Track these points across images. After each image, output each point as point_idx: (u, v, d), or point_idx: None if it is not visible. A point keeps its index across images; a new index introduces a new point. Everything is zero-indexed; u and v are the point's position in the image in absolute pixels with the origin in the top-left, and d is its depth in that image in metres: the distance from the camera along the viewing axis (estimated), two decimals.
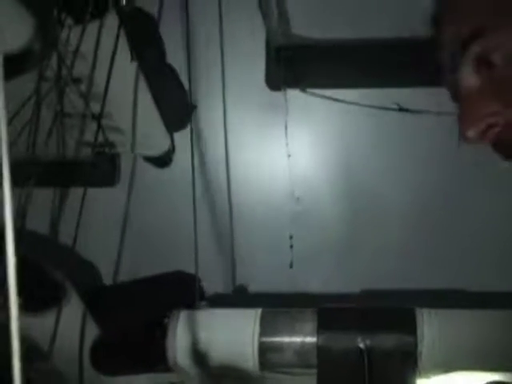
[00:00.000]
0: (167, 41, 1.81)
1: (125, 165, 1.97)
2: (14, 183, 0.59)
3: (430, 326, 1.39)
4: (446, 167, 1.91)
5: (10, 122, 0.65)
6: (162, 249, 2.01)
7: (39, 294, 1.41)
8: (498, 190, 1.89)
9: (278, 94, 1.84)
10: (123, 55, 1.54)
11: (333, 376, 1.40)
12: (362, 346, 1.38)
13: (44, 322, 1.40)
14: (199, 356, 1.41)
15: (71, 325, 1.47)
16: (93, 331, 1.52)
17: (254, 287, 2.04)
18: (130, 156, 1.92)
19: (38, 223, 1.61)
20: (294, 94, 1.82)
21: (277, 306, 1.50)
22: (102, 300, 1.77)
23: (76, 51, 1.44)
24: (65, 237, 1.51)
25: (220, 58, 1.83)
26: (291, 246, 1.93)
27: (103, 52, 1.47)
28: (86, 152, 1.70)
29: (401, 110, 1.75)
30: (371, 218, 2.01)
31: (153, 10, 1.75)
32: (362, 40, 1.76)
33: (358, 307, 1.49)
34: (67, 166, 1.61)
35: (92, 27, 1.43)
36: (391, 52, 1.77)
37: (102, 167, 1.89)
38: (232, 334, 1.44)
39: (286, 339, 1.42)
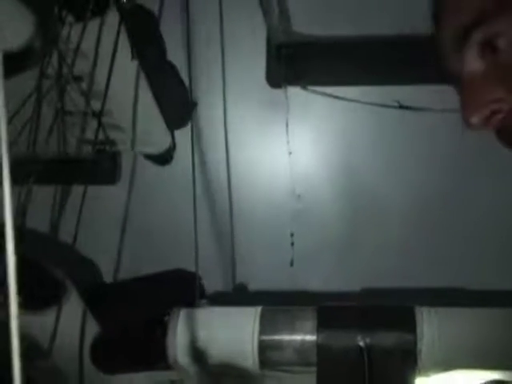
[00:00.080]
0: (168, 38, 1.81)
1: (125, 163, 1.97)
2: (15, 181, 0.59)
3: (430, 325, 1.39)
4: (447, 165, 1.91)
5: (10, 120, 0.65)
6: (162, 247, 2.01)
7: (39, 292, 1.41)
8: (499, 188, 1.89)
9: (278, 92, 1.84)
10: (124, 53, 1.54)
11: (333, 374, 1.40)
12: (361, 344, 1.38)
13: (44, 320, 1.41)
14: (199, 354, 1.41)
15: (71, 323, 1.48)
16: (93, 329, 1.52)
17: (254, 285, 2.05)
18: (131, 154, 1.92)
19: (39, 221, 1.61)
20: (294, 91, 1.82)
21: (277, 304, 1.50)
22: (103, 298, 1.77)
23: (77, 49, 1.44)
24: (65, 234, 1.51)
25: (220, 55, 1.83)
26: (292, 244, 1.93)
27: (104, 50, 1.47)
28: (87, 150, 1.71)
29: (401, 107, 1.75)
30: (372, 215, 2.01)
31: (153, 7, 1.75)
32: (363, 37, 1.76)
33: (357, 305, 1.49)
34: (68, 164, 1.61)
35: (93, 25, 1.43)
36: (392, 49, 1.77)
37: (102, 165, 1.89)
38: (232, 332, 1.45)
39: (286, 337, 1.42)
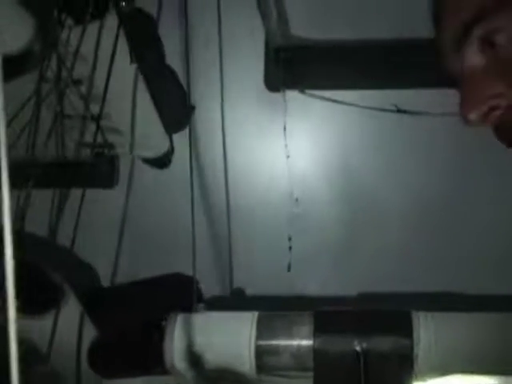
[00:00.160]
0: (166, 42, 1.81)
1: (123, 166, 1.97)
2: (13, 185, 0.59)
3: (427, 329, 1.39)
4: (445, 169, 1.92)
5: (9, 123, 0.65)
6: (160, 251, 2.01)
7: (37, 295, 1.40)
8: (498, 192, 1.89)
9: (276, 95, 1.84)
10: (123, 56, 1.54)
11: (329, 379, 1.40)
12: (358, 348, 1.38)
13: (42, 324, 1.40)
14: (196, 359, 1.41)
15: (69, 327, 1.47)
16: (91, 333, 1.52)
17: (251, 289, 2.04)
18: (129, 157, 1.92)
19: (37, 224, 1.61)
20: (292, 95, 1.82)
21: (274, 309, 1.50)
22: (100, 302, 1.77)
23: (76, 52, 1.44)
24: (63, 238, 1.51)
25: (219, 58, 1.83)
26: (290, 248, 1.93)
27: (103, 53, 1.47)
28: (85, 153, 1.71)
29: (399, 111, 1.75)
30: (370, 219, 2.01)
31: (152, 10, 1.76)
32: (362, 41, 1.76)
33: (354, 310, 1.49)
34: (66, 168, 1.61)
35: (92, 28, 1.43)
36: (391, 53, 1.77)
37: (100, 168, 1.89)
38: (229, 337, 1.45)
39: (283, 342, 1.42)
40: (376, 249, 1.99)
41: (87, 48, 1.45)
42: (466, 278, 1.92)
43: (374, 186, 1.98)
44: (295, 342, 1.42)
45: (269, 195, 1.99)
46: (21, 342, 0.58)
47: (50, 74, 1.45)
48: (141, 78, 1.65)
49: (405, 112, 1.75)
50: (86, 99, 1.54)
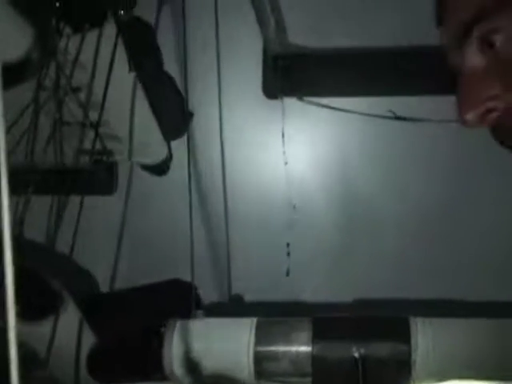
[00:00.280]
0: (164, 49, 1.82)
1: (122, 173, 1.98)
2: (12, 191, 0.59)
3: (425, 335, 1.39)
4: (443, 176, 1.92)
5: (8, 130, 0.66)
6: (158, 257, 2.01)
7: (36, 302, 1.40)
8: (497, 200, 1.90)
9: (274, 102, 1.85)
10: (121, 64, 1.55)
11: None
12: (356, 355, 1.38)
13: (41, 331, 1.40)
14: (195, 365, 1.41)
15: (68, 333, 1.47)
16: (89, 339, 1.52)
17: (250, 296, 2.04)
18: (128, 164, 1.92)
19: (36, 231, 1.61)
20: (290, 102, 1.83)
21: (272, 315, 1.51)
22: (99, 308, 1.77)
23: (75, 60, 1.45)
24: (62, 245, 1.51)
25: (216, 66, 1.83)
26: (288, 254, 1.93)
27: (102, 61, 1.47)
28: (84, 160, 1.71)
29: (397, 118, 1.76)
30: (368, 226, 2.01)
31: (151, 18, 1.76)
32: (359, 48, 1.77)
33: (352, 316, 1.49)
34: (65, 174, 1.61)
35: (91, 36, 1.44)
36: (388, 60, 1.78)
37: (99, 175, 1.90)
38: (228, 344, 1.45)
39: (282, 348, 1.42)
40: (374, 255, 1.99)
41: (86, 56, 1.46)
42: (465, 285, 1.92)
43: (371, 193, 1.98)
44: (294, 348, 1.42)
45: (267, 201, 1.99)
46: (20, 348, 0.59)
47: (48, 82, 1.45)
48: (139, 85, 1.66)
49: (402, 119, 1.76)
50: (85, 107, 1.54)
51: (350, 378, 1.37)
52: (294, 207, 1.93)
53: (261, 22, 1.61)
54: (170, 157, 1.92)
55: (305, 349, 1.41)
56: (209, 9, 1.66)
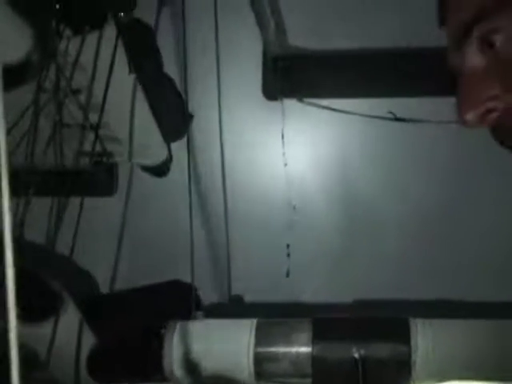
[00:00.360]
0: (164, 51, 1.82)
1: (122, 174, 1.98)
2: (13, 193, 0.60)
3: (424, 336, 1.39)
4: (444, 178, 1.92)
5: (8, 132, 0.66)
6: (158, 258, 2.01)
7: (37, 303, 1.41)
8: (498, 201, 1.90)
9: (274, 104, 1.85)
10: (121, 66, 1.55)
11: None
12: (356, 355, 1.38)
13: (41, 332, 1.40)
14: (195, 366, 1.41)
15: (68, 334, 1.47)
16: (89, 340, 1.52)
17: (249, 297, 2.04)
18: (128, 165, 1.93)
19: (36, 232, 1.61)
20: (290, 103, 1.83)
21: (272, 316, 1.51)
22: (99, 309, 1.77)
23: (75, 62, 1.45)
24: (62, 246, 1.51)
25: (216, 67, 1.84)
26: (288, 255, 1.93)
27: (102, 63, 1.47)
28: (84, 162, 1.71)
29: (396, 119, 1.76)
30: (368, 227, 2.01)
31: (151, 20, 1.76)
32: (359, 50, 1.77)
33: (352, 317, 1.50)
34: (65, 176, 1.61)
35: (91, 38, 1.44)
36: (388, 62, 1.78)
37: (99, 177, 1.90)
38: (228, 345, 1.45)
39: (282, 349, 1.42)
40: (374, 256, 1.99)
41: (86, 58, 1.46)
42: (465, 286, 1.92)
43: (372, 194, 1.98)
44: (294, 349, 1.42)
45: (267, 202, 1.99)
46: (20, 349, 0.59)
47: (48, 84, 1.45)
48: (139, 87, 1.66)
49: (402, 120, 1.76)
50: (85, 109, 1.54)
51: (350, 378, 1.38)
52: (294, 208, 1.93)
53: (260, 24, 1.61)
54: (170, 158, 1.92)
55: (305, 349, 1.42)
56: (208, 11, 1.66)
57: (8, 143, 0.62)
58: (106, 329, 1.58)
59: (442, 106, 1.57)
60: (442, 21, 0.78)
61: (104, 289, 2.01)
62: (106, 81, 1.45)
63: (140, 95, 1.67)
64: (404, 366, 1.38)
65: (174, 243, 1.91)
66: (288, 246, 1.92)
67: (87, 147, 1.65)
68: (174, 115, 1.85)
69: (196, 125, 1.91)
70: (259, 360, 1.42)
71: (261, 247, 2.01)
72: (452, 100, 0.79)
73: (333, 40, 1.80)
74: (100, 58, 1.45)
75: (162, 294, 1.88)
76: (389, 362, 1.38)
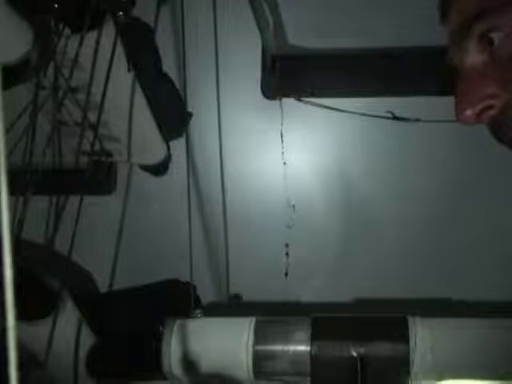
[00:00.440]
0: (163, 50, 1.82)
1: (121, 173, 1.98)
2: (11, 192, 0.59)
3: (423, 335, 1.39)
4: (444, 178, 1.92)
5: (6, 131, 0.66)
6: (157, 257, 2.01)
7: (35, 302, 1.41)
8: (499, 200, 1.90)
9: (273, 103, 1.85)
10: (120, 65, 1.55)
11: None
12: (355, 354, 1.38)
13: (40, 331, 1.40)
14: (194, 364, 1.41)
15: (67, 333, 1.48)
16: (88, 339, 1.52)
17: (248, 296, 2.05)
18: (126, 164, 1.93)
19: (34, 231, 1.61)
20: (289, 102, 1.83)
21: (271, 315, 1.51)
22: (98, 308, 1.77)
23: (74, 61, 1.45)
24: (61, 245, 1.51)
25: (215, 66, 1.83)
26: (287, 254, 1.93)
27: (100, 61, 1.47)
28: (83, 161, 1.71)
29: (396, 118, 1.76)
30: (367, 226, 2.01)
31: (150, 19, 1.76)
32: (359, 49, 1.77)
33: (351, 316, 1.49)
34: (63, 175, 1.61)
35: (89, 37, 1.44)
36: (389, 61, 1.78)
37: (98, 175, 1.90)
38: (226, 343, 1.45)
39: (280, 348, 1.42)
40: (373, 256, 1.99)
41: (84, 57, 1.46)
42: (465, 285, 1.92)
43: (371, 194, 1.98)
44: (292, 348, 1.42)
45: (266, 202, 1.99)
46: (18, 348, 0.59)
47: (46, 83, 1.45)
48: (138, 86, 1.66)
49: (401, 119, 1.76)
50: (84, 108, 1.54)
51: (349, 377, 1.38)
52: (293, 207, 1.93)
53: (259, 22, 1.61)
54: (168, 157, 1.92)
55: (303, 348, 1.42)
56: (208, 10, 1.66)
57: (6, 142, 0.62)
58: (104, 328, 1.58)
59: (441, 106, 1.56)
60: (443, 18, 0.78)
61: (103, 287, 2.01)
62: (104, 80, 1.45)
63: (139, 94, 1.67)
64: (403, 364, 1.38)
65: (173, 242, 1.91)
66: (287, 245, 1.92)
67: (86, 146, 1.65)
68: (172, 113, 1.85)
69: (195, 123, 1.91)
70: (258, 358, 1.42)
71: (260, 246, 2.01)
72: (451, 99, 0.79)
73: (332, 39, 1.80)
74: (99, 57, 1.45)
75: (161, 293, 1.88)
76: (388, 360, 1.38)
